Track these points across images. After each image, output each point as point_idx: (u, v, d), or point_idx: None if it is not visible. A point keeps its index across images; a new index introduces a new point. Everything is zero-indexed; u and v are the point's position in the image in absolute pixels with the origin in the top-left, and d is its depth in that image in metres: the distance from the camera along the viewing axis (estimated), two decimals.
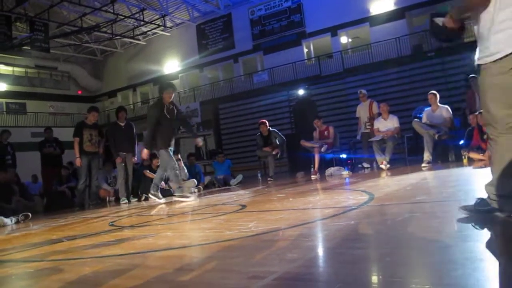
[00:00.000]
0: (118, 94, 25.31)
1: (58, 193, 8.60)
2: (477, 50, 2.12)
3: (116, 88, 24.98)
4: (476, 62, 2.12)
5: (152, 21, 20.38)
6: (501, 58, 1.96)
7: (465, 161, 6.21)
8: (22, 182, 9.04)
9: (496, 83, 1.99)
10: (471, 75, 7.59)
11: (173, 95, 6.11)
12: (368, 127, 8.53)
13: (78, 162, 7.34)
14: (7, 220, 5.47)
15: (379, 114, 8.24)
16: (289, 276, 1.58)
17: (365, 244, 2.04)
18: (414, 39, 15.60)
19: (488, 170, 2.24)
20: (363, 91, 9.03)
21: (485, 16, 2.03)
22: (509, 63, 1.94)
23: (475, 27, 2.12)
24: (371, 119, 8.56)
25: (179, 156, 8.59)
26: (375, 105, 8.77)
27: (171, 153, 6.08)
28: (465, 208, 2.19)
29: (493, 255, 1.58)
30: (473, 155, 5.77)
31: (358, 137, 9.07)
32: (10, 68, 23.59)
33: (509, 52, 1.93)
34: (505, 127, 2.00)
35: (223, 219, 3.54)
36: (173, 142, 6.18)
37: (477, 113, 5.93)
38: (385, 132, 7.75)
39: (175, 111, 6.19)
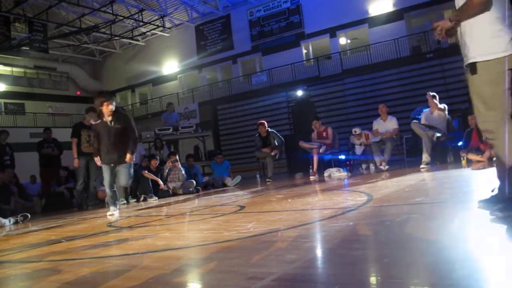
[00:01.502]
0: (117, 94, 25.27)
1: (57, 193, 8.59)
2: (472, 49, 2.19)
3: (115, 88, 24.93)
4: (474, 60, 2.18)
5: (151, 21, 20.33)
6: (504, 57, 2.08)
7: (463, 162, 6.20)
8: (20, 182, 9.03)
9: (498, 81, 2.10)
10: None
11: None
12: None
13: (76, 163, 7.34)
14: (5, 221, 5.46)
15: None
16: (287, 277, 1.58)
17: (364, 245, 2.04)
18: (413, 41, 15.62)
19: (485, 171, 2.24)
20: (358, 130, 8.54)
21: (487, 19, 2.12)
22: (509, 63, 2.08)
23: (469, 28, 2.20)
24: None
25: (177, 157, 8.60)
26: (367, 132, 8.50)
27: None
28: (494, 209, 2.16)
29: (493, 255, 1.58)
30: (472, 156, 5.75)
31: (359, 153, 8.64)
32: (8, 69, 23.52)
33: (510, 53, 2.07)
34: (506, 116, 2.10)
35: (222, 220, 3.53)
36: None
37: None
38: (384, 133, 7.76)
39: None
